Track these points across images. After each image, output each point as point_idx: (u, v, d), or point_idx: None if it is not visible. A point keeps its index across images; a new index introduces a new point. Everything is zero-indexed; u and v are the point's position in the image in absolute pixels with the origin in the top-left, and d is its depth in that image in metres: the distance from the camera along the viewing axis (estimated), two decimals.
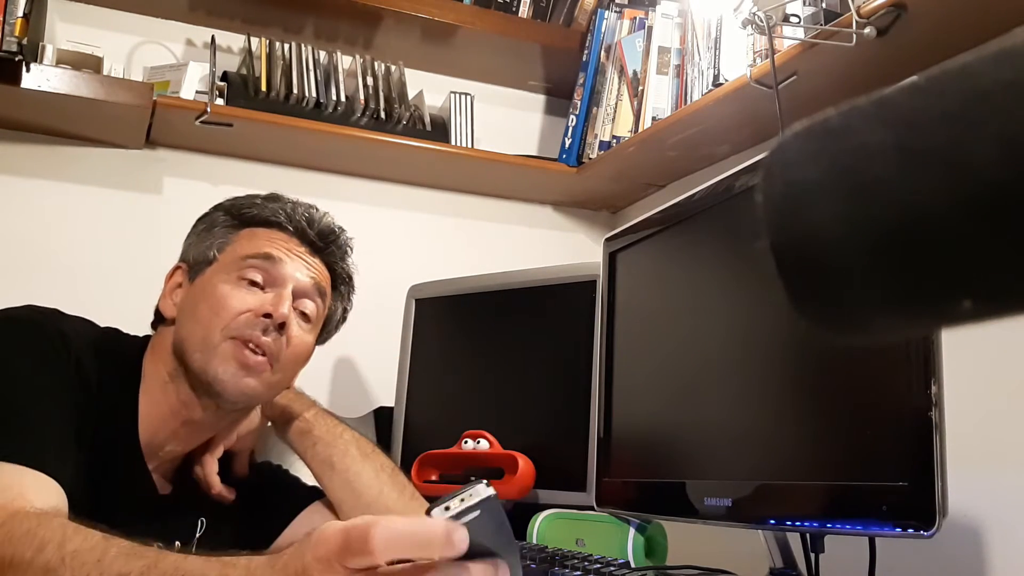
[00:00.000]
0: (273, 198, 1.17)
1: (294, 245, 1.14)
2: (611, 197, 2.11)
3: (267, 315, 1.07)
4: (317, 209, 1.18)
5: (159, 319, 1.14)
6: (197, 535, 1.13)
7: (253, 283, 1.10)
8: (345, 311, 1.23)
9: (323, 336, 1.21)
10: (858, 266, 0.27)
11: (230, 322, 1.06)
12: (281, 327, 1.08)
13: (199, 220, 1.18)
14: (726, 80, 1.55)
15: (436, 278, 1.72)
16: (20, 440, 0.90)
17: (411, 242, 2.04)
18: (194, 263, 1.14)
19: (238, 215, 1.15)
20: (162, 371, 1.09)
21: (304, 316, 1.13)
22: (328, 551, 0.60)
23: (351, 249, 1.21)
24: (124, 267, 1.77)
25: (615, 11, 1.94)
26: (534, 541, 1.28)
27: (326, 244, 1.16)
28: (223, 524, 1.16)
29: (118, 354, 1.08)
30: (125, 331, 1.15)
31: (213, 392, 1.06)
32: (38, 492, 0.87)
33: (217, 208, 1.18)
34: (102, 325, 1.13)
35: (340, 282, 1.20)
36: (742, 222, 1.00)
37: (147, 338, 1.14)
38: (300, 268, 1.12)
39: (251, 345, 1.07)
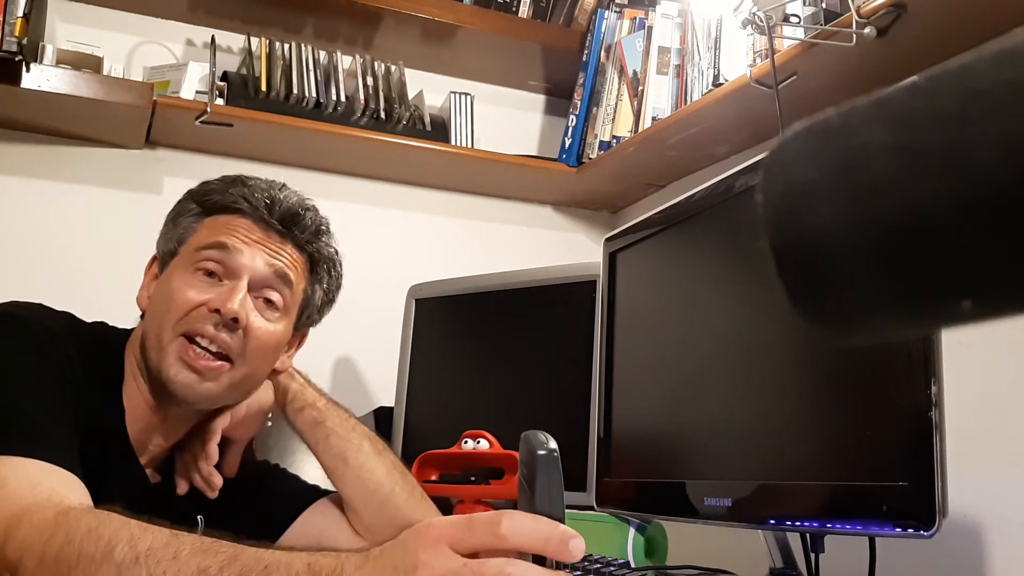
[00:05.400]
0: (237, 181, 1.12)
1: (253, 231, 1.09)
2: (611, 197, 2.12)
3: (217, 310, 1.03)
4: (282, 189, 1.13)
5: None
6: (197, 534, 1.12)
7: (210, 274, 1.06)
8: (328, 293, 1.18)
9: (305, 320, 1.16)
10: (858, 266, 0.27)
11: (181, 318, 1.03)
12: (235, 322, 1.04)
13: (171, 209, 1.15)
14: (726, 80, 1.55)
15: (436, 278, 1.72)
16: (34, 436, 0.88)
17: (411, 242, 2.04)
18: (162, 255, 1.12)
19: (202, 202, 1.11)
20: (134, 366, 1.08)
21: (269, 304, 1.09)
22: (440, 534, 0.61)
23: (325, 228, 1.15)
24: (124, 267, 1.76)
25: (615, 11, 1.94)
26: None
27: (288, 227, 1.11)
28: (222, 523, 1.15)
29: (103, 347, 1.07)
30: (115, 326, 1.14)
31: (168, 394, 1.04)
32: (68, 488, 0.85)
33: (187, 195, 1.14)
34: (94, 321, 1.12)
35: (315, 263, 1.15)
36: (742, 222, 1.00)
37: (132, 330, 1.13)
38: (259, 256, 1.08)
39: (204, 342, 1.03)
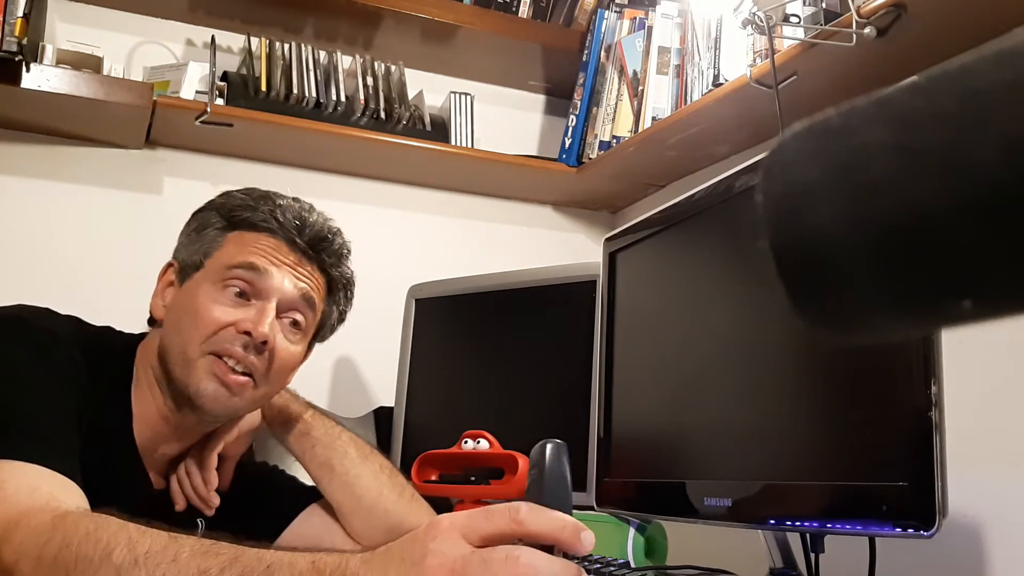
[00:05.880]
0: (266, 199, 1.12)
1: (283, 252, 1.09)
2: (611, 197, 2.11)
3: (247, 332, 1.04)
4: (311, 211, 1.14)
5: (153, 319, 1.13)
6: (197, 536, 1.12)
7: (238, 294, 1.06)
8: (342, 313, 1.20)
9: (318, 338, 1.18)
10: (858, 266, 0.27)
11: (209, 337, 1.04)
12: (263, 344, 1.05)
13: (193, 217, 1.15)
14: (726, 80, 1.55)
15: (436, 278, 1.72)
16: (35, 440, 0.88)
17: (411, 242, 2.04)
18: (183, 265, 1.11)
19: (228, 216, 1.11)
20: (150, 374, 1.08)
21: (293, 326, 1.10)
22: (452, 523, 0.62)
23: (348, 251, 1.17)
24: (124, 267, 1.77)
25: (615, 11, 1.94)
26: None
27: (317, 251, 1.12)
28: (222, 525, 1.15)
29: (109, 352, 1.07)
30: (120, 330, 1.14)
31: (195, 407, 1.05)
32: (66, 493, 0.85)
33: (210, 206, 1.14)
34: (101, 326, 1.12)
35: (335, 287, 1.16)
36: (742, 222, 1.00)
37: (142, 335, 1.13)
38: (287, 278, 1.08)
39: (231, 361, 1.04)
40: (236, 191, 1.15)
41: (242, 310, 1.06)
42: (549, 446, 0.66)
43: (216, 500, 1.13)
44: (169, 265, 1.14)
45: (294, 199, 1.15)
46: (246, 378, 1.05)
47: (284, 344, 1.09)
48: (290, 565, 0.66)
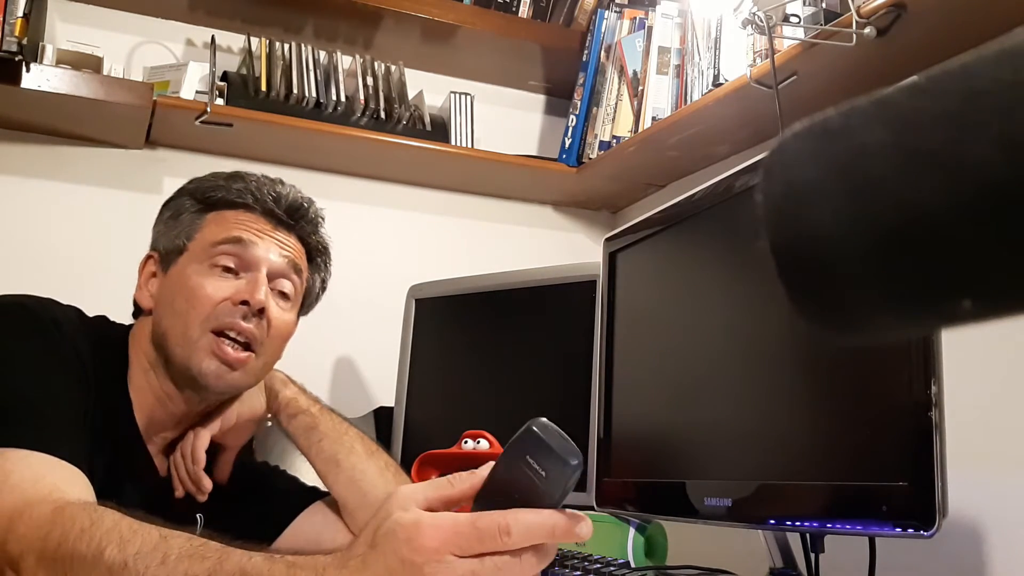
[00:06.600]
0: (237, 177, 1.15)
1: (263, 225, 1.12)
2: (611, 197, 2.12)
3: (244, 302, 1.06)
4: (283, 184, 1.17)
5: (139, 310, 1.14)
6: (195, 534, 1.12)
7: (227, 269, 1.08)
8: (324, 282, 1.22)
9: (304, 309, 1.20)
10: (858, 266, 0.27)
11: (209, 313, 1.06)
12: (260, 312, 1.07)
13: (165, 206, 1.17)
14: (726, 80, 1.55)
15: (436, 278, 1.72)
16: (40, 429, 0.89)
17: (411, 242, 2.04)
18: (165, 252, 1.13)
19: (203, 199, 1.14)
20: (143, 361, 1.09)
21: (283, 295, 1.13)
22: (441, 543, 0.62)
23: (323, 220, 1.20)
24: (124, 267, 1.76)
25: (615, 11, 1.94)
26: None
27: (296, 220, 1.15)
28: (221, 522, 1.15)
29: (108, 340, 1.08)
30: (115, 321, 1.15)
31: (198, 386, 1.07)
32: (69, 484, 0.86)
33: (182, 192, 1.16)
34: (96, 316, 1.13)
35: (315, 254, 1.19)
36: (742, 222, 1.00)
37: (131, 325, 1.14)
38: (272, 248, 1.11)
39: (232, 334, 1.06)
40: (203, 176, 1.18)
41: (234, 283, 1.08)
42: (537, 420, 0.65)
43: (208, 483, 1.12)
44: (149, 257, 1.16)
45: (263, 176, 1.17)
46: (247, 353, 1.07)
47: (277, 312, 1.11)
48: (269, 573, 0.67)
